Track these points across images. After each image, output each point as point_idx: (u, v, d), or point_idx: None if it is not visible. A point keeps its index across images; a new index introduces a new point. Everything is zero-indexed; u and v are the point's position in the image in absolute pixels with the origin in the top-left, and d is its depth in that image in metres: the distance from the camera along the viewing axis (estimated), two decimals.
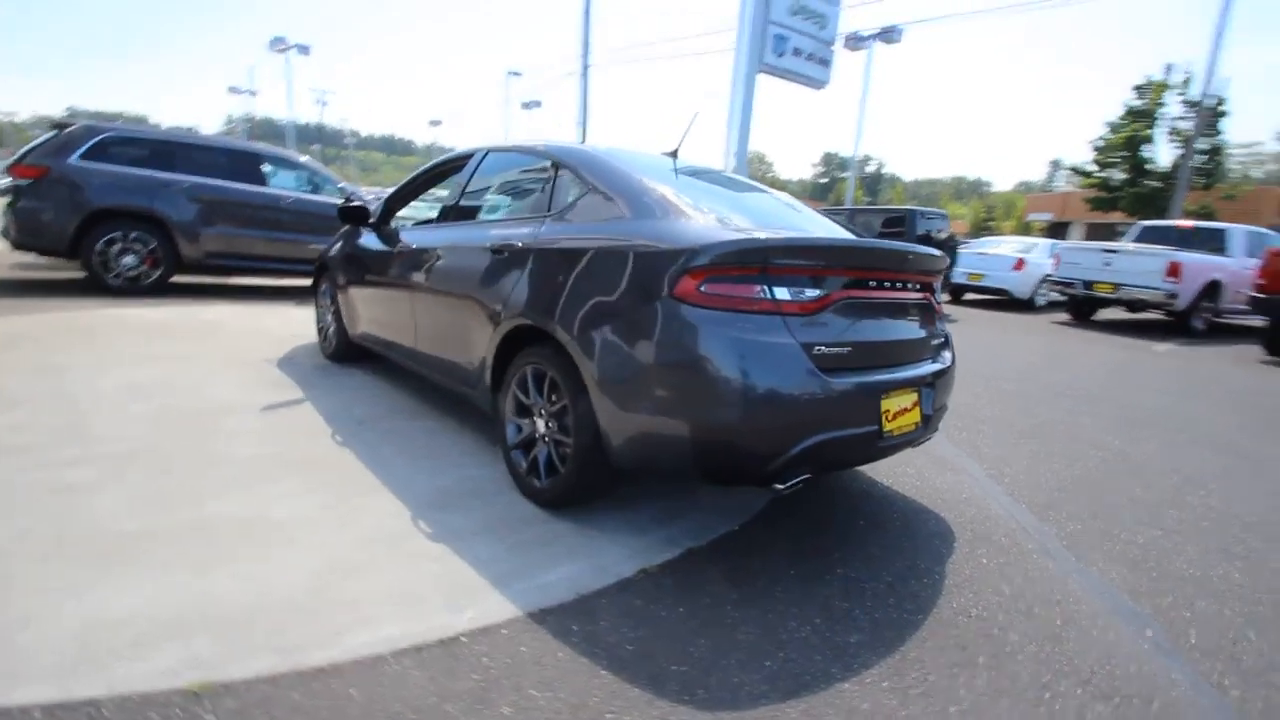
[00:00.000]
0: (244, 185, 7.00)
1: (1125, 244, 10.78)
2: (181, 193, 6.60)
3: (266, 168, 7.32)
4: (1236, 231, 10.32)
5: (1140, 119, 25.53)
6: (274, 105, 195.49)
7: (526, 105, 36.04)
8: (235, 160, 7.11)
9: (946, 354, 2.68)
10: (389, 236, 3.75)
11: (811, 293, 2.06)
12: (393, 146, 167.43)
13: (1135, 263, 9.63)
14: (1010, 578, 2.27)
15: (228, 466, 2.65)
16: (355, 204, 3.90)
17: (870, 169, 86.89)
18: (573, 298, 2.29)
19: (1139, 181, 25.65)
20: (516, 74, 37.44)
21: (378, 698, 1.48)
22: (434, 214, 3.83)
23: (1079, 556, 2.48)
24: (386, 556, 2.07)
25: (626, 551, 2.23)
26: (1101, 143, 26.63)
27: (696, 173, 3.01)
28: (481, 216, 3.36)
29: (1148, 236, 11.09)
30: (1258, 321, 8.85)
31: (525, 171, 3.13)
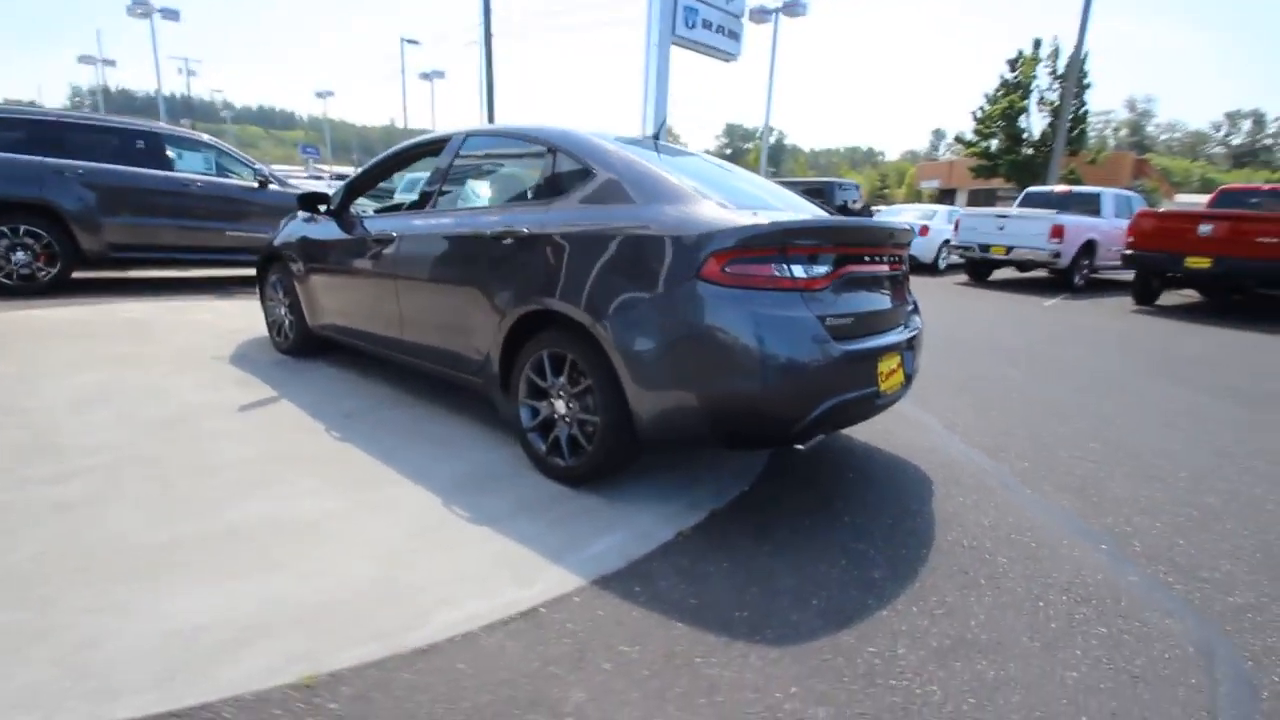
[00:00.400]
0: (148, 170, 6.43)
1: (1014, 209, 11.83)
2: (76, 180, 5.99)
3: (171, 150, 6.74)
4: (1108, 195, 11.57)
5: (1014, 91, 27.76)
6: (132, 77, 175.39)
7: (426, 76, 34.28)
8: (135, 142, 6.50)
9: (917, 319, 2.98)
10: (354, 223, 3.65)
11: (821, 269, 2.26)
12: (272, 120, 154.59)
13: (1023, 226, 10.63)
14: (985, 511, 2.62)
15: (230, 470, 2.57)
16: (313, 191, 3.75)
17: (772, 140, 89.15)
18: (596, 282, 2.38)
19: (1015, 149, 27.96)
20: (414, 42, 35.41)
21: (485, 669, 1.58)
22: (392, 199, 3.75)
23: (1034, 489, 2.87)
24: (438, 542, 2.13)
25: (658, 518, 2.39)
26: (981, 113, 28.77)
27: (677, 154, 3.14)
28: (471, 202, 3.34)
29: (1031, 202, 12.21)
30: (1127, 276, 10.06)
31: (517, 156, 3.14)
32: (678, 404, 2.27)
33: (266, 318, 4.52)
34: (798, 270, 2.20)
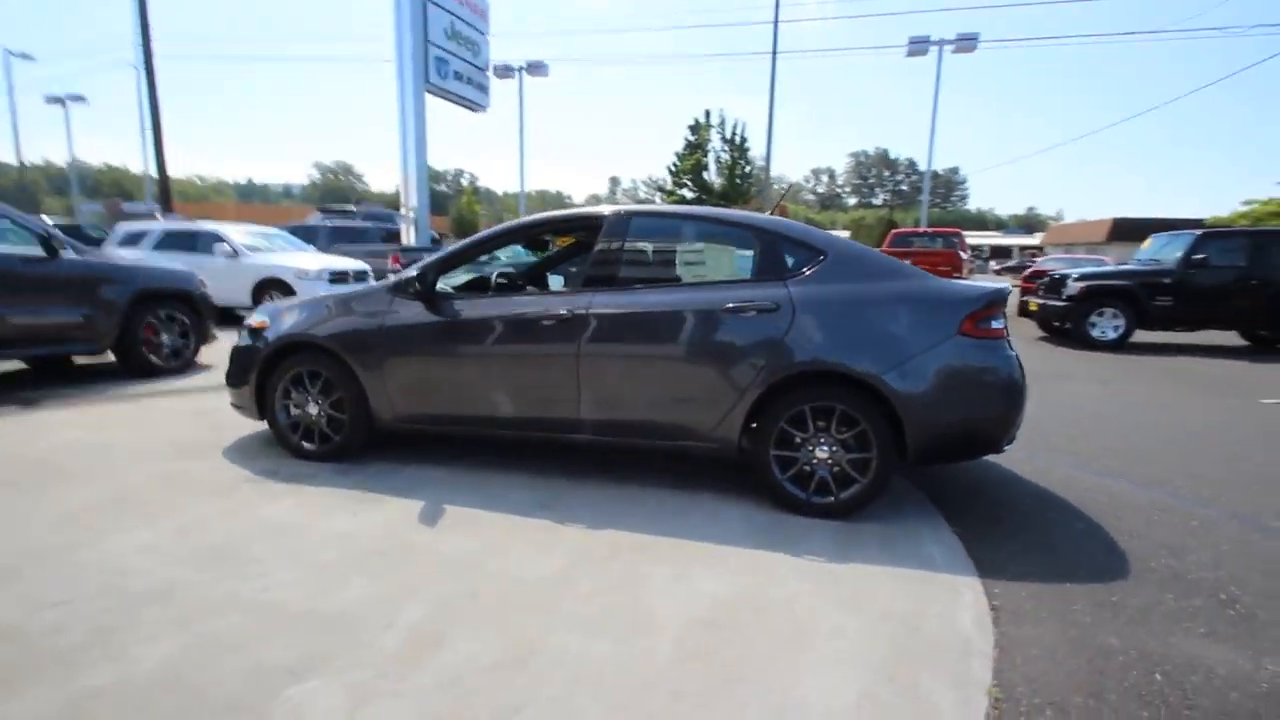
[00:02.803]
0: None
1: None
2: None
3: None
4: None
5: (697, 150, 33.43)
6: None
7: (56, 100, 26.47)
8: None
9: None
10: (467, 304, 3.41)
11: (1002, 321, 3.13)
12: None
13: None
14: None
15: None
16: (413, 274, 3.36)
17: (464, 183, 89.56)
18: (875, 341, 2.90)
19: (703, 199, 33.55)
20: (28, 58, 27.09)
21: None
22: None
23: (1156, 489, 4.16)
24: (932, 596, 2.41)
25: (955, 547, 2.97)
26: (675, 167, 33.93)
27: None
28: (665, 278, 3.43)
29: None
30: None
31: (712, 237, 3.35)
32: (945, 431, 2.92)
33: (278, 423, 3.69)
34: (1000, 323, 3.04)
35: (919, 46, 20.22)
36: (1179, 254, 9.26)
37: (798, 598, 2.31)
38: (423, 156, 16.81)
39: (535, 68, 20.84)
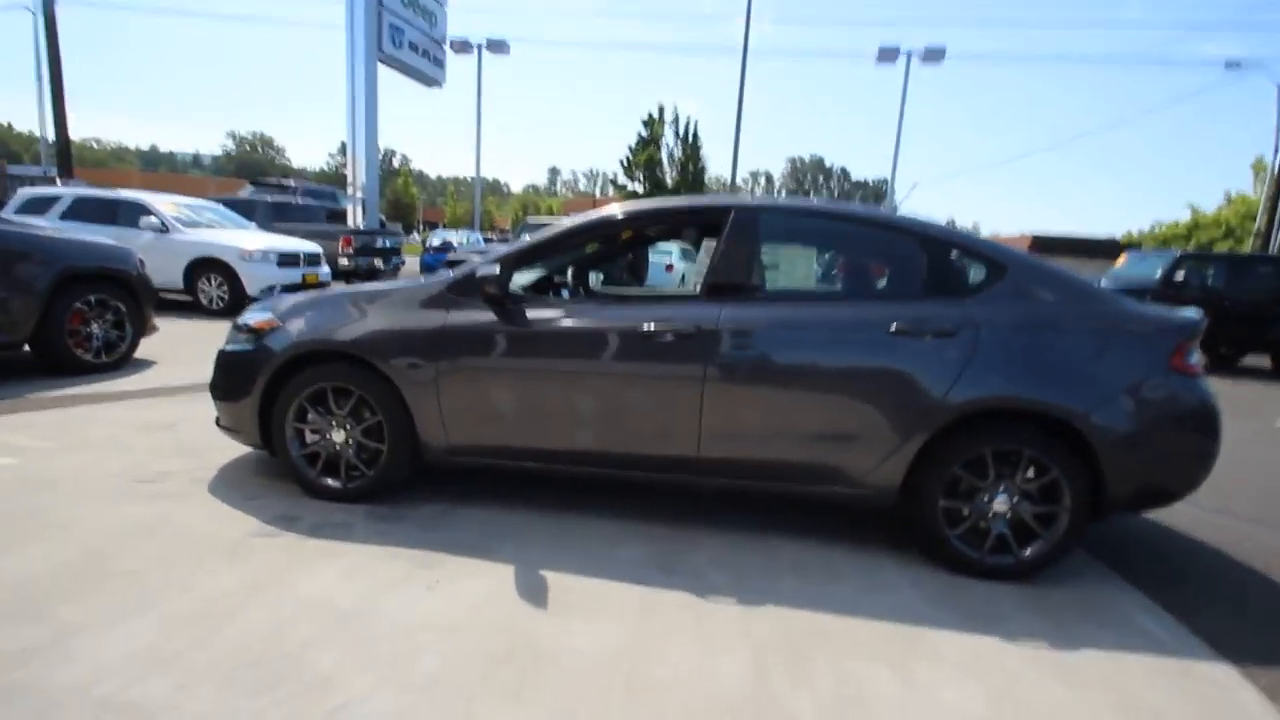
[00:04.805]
0: None
1: None
2: None
3: None
4: None
5: (650, 145, 32.90)
6: None
7: None
8: None
9: None
10: (573, 311, 2.75)
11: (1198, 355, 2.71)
12: None
13: None
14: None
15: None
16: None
17: (395, 165, 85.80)
18: (1068, 374, 2.42)
19: (655, 193, 33.08)
20: None
21: None
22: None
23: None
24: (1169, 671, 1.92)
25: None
26: (627, 162, 33.27)
27: None
28: (806, 289, 2.79)
29: None
30: None
31: (862, 242, 2.78)
32: (1146, 479, 2.49)
33: (290, 450, 2.87)
34: (1198, 358, 2.65)
35: (889, 55, 20.39)
36: (1157, 275, 9.48)
37: (1064, 709, 1.80)
38: (374, 132, 15.51)
39: (497, 45, 19.65)
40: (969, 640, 2.11)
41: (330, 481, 2.87)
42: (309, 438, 2.88)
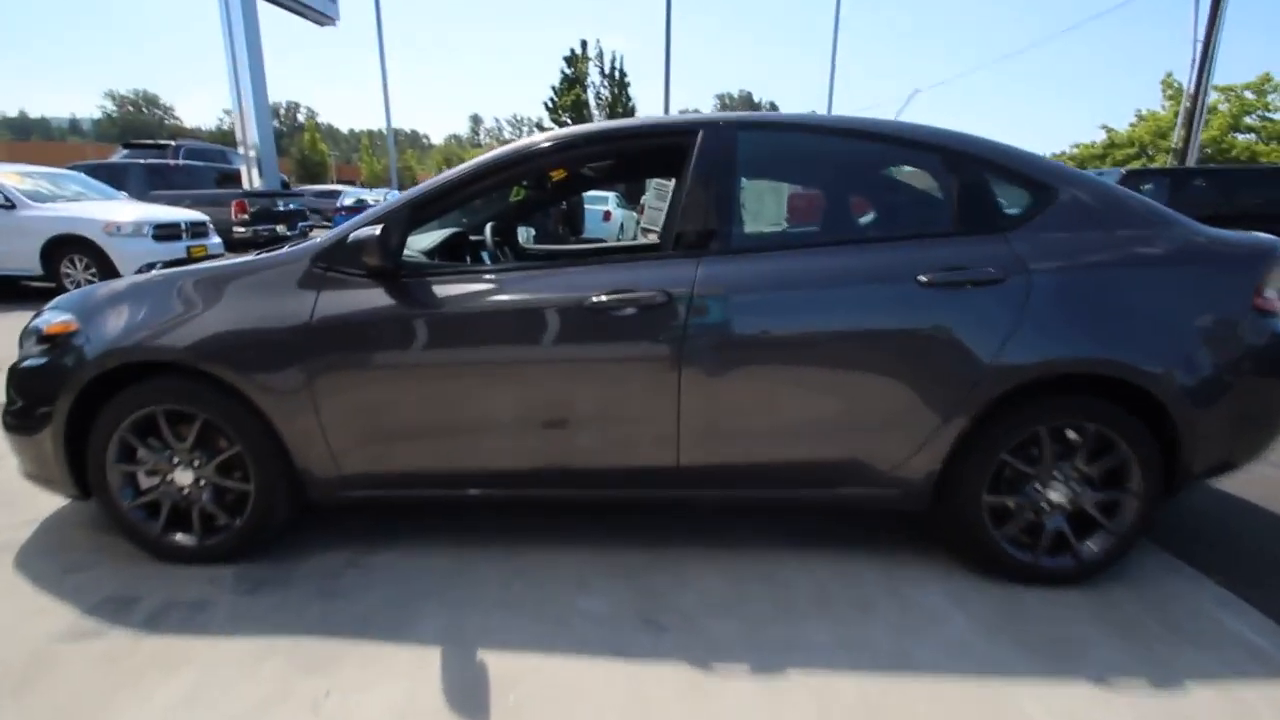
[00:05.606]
0: None
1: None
2: None
3: None
4: None
5: (575, 85, 31.08)
6: None
7: None
8: None
9: None
10: (492, 281, 2.02)
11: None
12: None
13: None
14: None
15: None
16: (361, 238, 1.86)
17: (301, 118, 79.72)
18: (1143, 325, 1.89)
19: None
20: None
21: None
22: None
23: None
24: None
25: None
26: (552, 104, 31.41)
27: None
28: (807, 234, 2.11)
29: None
30: None
31: (869, 162, 2.11)
32: (1224, 448, 2.02)
33: (118, 501, 2.08)
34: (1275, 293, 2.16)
35: None
36: None
37: None
38: (261, 79, 13.71)
39: None
40: (1055, 693, 1.60)
41: (181, 538, 2.10)
42: (144, 482, 2.10)
